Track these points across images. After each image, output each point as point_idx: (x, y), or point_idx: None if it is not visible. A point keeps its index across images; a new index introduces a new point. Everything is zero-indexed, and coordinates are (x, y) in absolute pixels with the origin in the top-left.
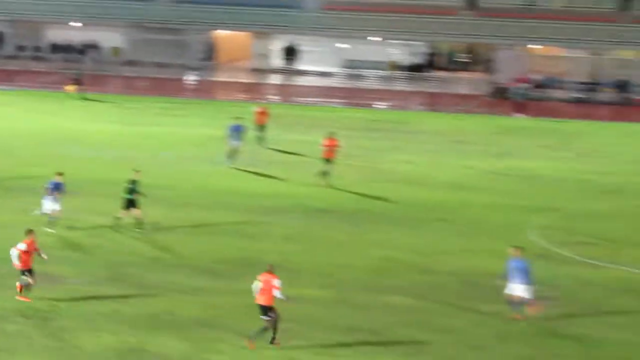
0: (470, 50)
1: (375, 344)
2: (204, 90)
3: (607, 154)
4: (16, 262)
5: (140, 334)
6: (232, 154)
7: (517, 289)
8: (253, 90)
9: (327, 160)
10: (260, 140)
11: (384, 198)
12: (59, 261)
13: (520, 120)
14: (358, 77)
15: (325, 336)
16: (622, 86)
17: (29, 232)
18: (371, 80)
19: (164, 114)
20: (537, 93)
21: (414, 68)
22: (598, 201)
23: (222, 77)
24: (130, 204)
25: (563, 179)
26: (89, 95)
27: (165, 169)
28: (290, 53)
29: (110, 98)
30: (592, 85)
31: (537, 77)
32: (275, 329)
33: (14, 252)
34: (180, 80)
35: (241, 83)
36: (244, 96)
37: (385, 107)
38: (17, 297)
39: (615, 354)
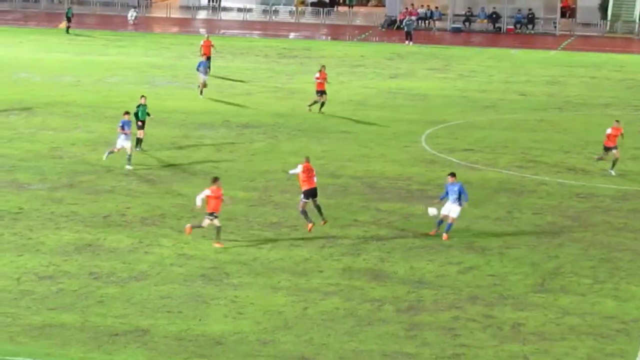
0: None
1: (294, 238)
2: (143, 25)
3: (483, 75)
4: (199, 204)
5: (95, 232)
6: (203, 86)
7: (452, 210)
8: (183, 24)
9: (320, 92)
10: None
11: (296, 114)
12: (24, 170)
13: (409, 47)
14: (272, 12)
15: (252, 231)
16: (494, 17)
17: (214, 179)
18: (283, 15)
19: (109, 46)
20: (423, 24)
21: (319, 4)
22: (477, 115)
23: (157, 14)
24: (137, 125)
25: (447, 96)
26: (46, 30)
27: (111, 91)
28: None
29: (63, 32)
30: (469, 17)
31: (422, 10)
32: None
33: (200, 197)
34: (122, 16)
35: (173, 18)
36: (176, 29)
37: (295, 37)
38: (213, 244)
39: (493, 242)
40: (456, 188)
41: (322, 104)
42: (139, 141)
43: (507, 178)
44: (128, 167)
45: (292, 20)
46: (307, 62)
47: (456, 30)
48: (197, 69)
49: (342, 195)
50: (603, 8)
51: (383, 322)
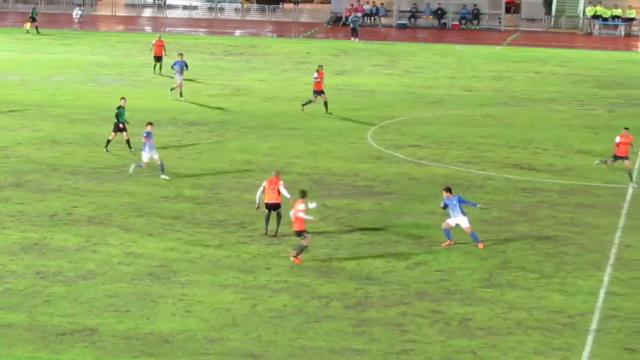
0: None
1: (241, 236)
2: (88, 23)
3: (429, 71)
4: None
5: (42, 230)
6: (177, 87)
7: (462, 222)
8: (129, 22)
9: (318, 92)
10: (156, 68)
11: (242, 111)
12: None
13: (354, 43)
14: (218, 9)
15: (198, 229)
16: (439, 13)
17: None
18: (229, 12)
19: (54, 44)
20: (368, 20)
21: (265, 1)
22: (423, 111)
23: (103, 12)
24: (117, 127)
25: (393, 92)
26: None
27: (57, 90)
28: None
29: (8, 31)
30: (414, 13)
31: (368, 6)
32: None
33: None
34: (68, 14)
35: (119, 17)
36: (122, 27)
37: (240, 34)
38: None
39: (441, 238)
40: (455, 201)
41: (326, 104)
42: (127, 142)
43: (453, 173)
44: (163, 176)
45: (238, 18)
46: (253, 59)
47: (402, 27)
48: (172, 68)
49: (289, 192)
50: (547, 3)
51: (331, 319)
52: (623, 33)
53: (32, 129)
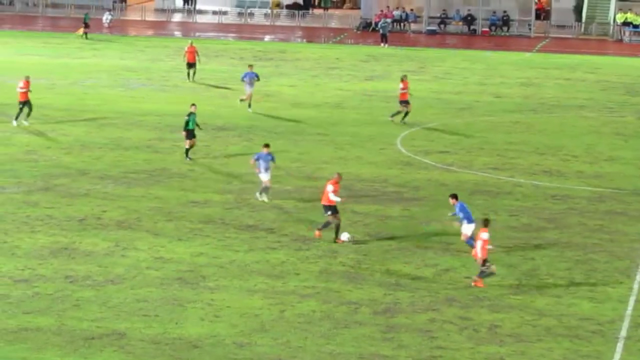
0: None
1: (270, 240)
2: (117, 28)
3: (458, 77)
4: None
5: (71, 235)
6: (247, 99)
7: (467, 229)
8: (158, 27)
9: (404, 102)
10: (189, 75)
11: (272, 116)
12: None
13: (384, 49)
14: (247, 14)
15: (227, 234)
16: (468, 19)
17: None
18: (258, 18)
19: (84, 49)
20: (398, 26)
21: (294, 6)
22: (453, 117)
23: (132, 17)
24: (190, 133)
25: (422, 98)
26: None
27: (86, 94)
28: None
29: (38, 35)
30: (444, 19)
31: (397, 12)
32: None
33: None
34: (97, 19)
35: (148, 21)
36: (151, 32)
37: (270, 39)
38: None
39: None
40: (456, 210)
41: (406, 114)
42: (188, 150)
43: (482, 180)
44: (260, 198)
45: (267, 23)
46: (283, 64)
47: (431, 33)
48: (242, 80)
49: (318, 198)
50: (578, 10)
51: (360, 325)
52: None
53: (60, 133)
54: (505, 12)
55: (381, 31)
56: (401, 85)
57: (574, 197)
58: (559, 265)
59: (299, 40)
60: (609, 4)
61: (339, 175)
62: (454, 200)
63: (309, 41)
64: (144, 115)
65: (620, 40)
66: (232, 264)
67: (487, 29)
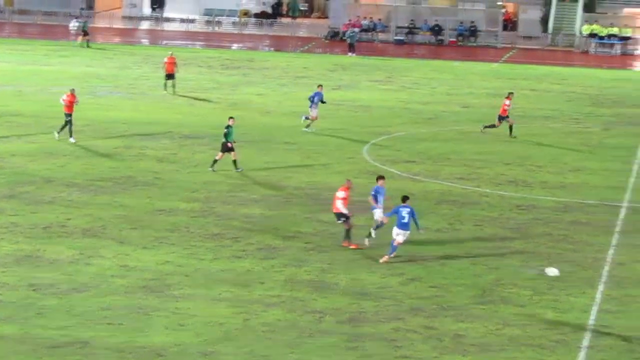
0: None
1: (235, 249)
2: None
3: (426, 87)
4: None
5: (35, 243)
6: (313, 120)
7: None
8: (126, 34)
9: (503, 118)
10: (167, 86)
11: (239, 125)
12: None
13: (352, 58)
14: (215, 23)
15: (193, 242)
16: (436, 29)
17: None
18: (226, 26)
19: (51, 56)
20: (366, 36)
21: (263, 15)
22: (420, 126)
23: (100, 24)
24: (226, 147)
25: (390, 107)
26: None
27: (53, 101)
28: (157, 2)
29: (5, 42)
30: (411, 29)
31: (366, 22)
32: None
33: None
34: (65, 26)
35: (116, 29)
36: (119, 39)
37: (238, 48)
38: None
39: (435, 254)
40: (406, 212)
41: (511, 128)
42: (234, 162)
43: (448, 190)
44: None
45: (236, 31)
46: (251, 73)
47: (399, 42)
48: (311, 100)
49: (285, 206)
50: (544, 21)
51: (324, 334)
52: (619, 52)
53: (27, 141)
54: (472, 22)
55: (349, 41)
56: (507, 102)
57: (539, 207)
58: (523, 275)
59: (267, 49)
60: (576, 15)
61: (349, 181)
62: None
63: (277, 50)
64: (111, 122)
65: (586, 52)
66: (198, 273)
67: (454, 39)
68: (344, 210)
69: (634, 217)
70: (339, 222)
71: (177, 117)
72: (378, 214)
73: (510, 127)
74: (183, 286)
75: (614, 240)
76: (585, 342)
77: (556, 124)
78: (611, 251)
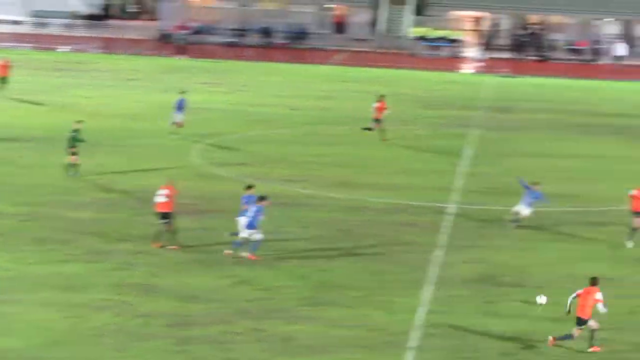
0: (139, 1)
1: (63, 253)
2: None
3: (256, 89)
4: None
5: None
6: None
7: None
8: None
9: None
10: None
11: (67, 128)
12: None
13: (182, 61)
14: (44, 24)
15: (20, 246)
16: (265, 32)
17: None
18: (55, 27)
19: None
20: (196, 38)
21: (92, 17)
22: (250, 129)
23: None
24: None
25: (221, 110)
26: None
27: None
28: None
29: None
30: (241, 31)
31: (195, 24)
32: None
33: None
34: None
35: None
36: None
37: (67, 50)
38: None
39: (264, 256)
40: (253, 207)
41: (369, 129)
42: (72, 166)
43: (278, 192)
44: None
45: (65, 33)
46: (80, 75)
47: (229, 44)
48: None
49: (114, 210)
50: (374, 24)
51: (153, 337)
52: (448, 54)
53: None
54: (303, 24)
55: (179, 43)
56: (379, 105)
57: (368, 208)
58: (353, 277)
59: (97, 50)
60: (405, 18)
61: (172, 181)
62: (261, 202)
63: (107, 52)
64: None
65: (416, 54)
66: (25, 277)
67: (284, 42)
68: (167, 211)
69: (459, 218)
70: (162, 222)
71: (3, 120)
72: (243, 222)
73: (369, 129)
74: (10, 291)
75: (441, 240)
76: (414, 343)
77: (385, 126)
78: (438, 252)
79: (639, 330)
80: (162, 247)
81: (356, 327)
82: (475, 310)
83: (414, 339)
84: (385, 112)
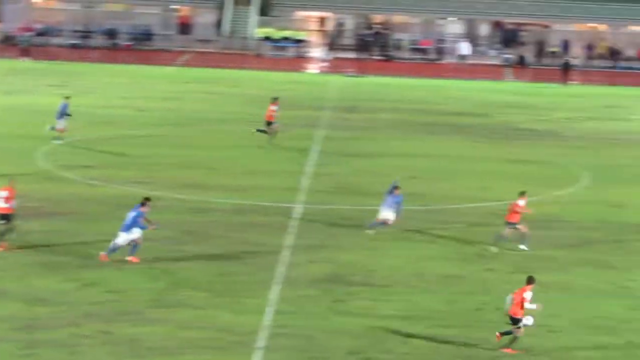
0: None
1: None
2: None
3: (101, 91)
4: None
5: None
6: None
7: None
8: None
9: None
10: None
11: None
12: None
13: (25, 63)
14: None
15: None
16: (110, 33)
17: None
18: None
19: None
20: (40, 40)
21: None
22: (96, 131)
23: None
24: None
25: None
26: None
27: None
28: None
29: None
30: (86, 33)
31: (40, 26)
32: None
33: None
34: None
35: None
36: None
37: None
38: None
39: (111, 258)
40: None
41: (268, 132)
42: None
43: (125, 194)
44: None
45: None
46: None
47: (74, 46)
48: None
49: None
50: (219, 25)
51: None
52: (293, 54)
53: None
54: (148, 26)
55: (22, 45)
56: (272, 107)
57: (216, 209)
58: (201, 278)
59: None
60: (250, 19)
61: (12, 181)
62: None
63: None
64: None
65: (262, 55)
66: None
67: (130, 43)
68: (7, 212)
69: (306, 217)
70: (1, 223)
71: None
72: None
73: (268, 132)
74: None
75: (288, 241)
76: (262, 343)
77: (232, 127)
78: (286, 252)
79: (486, 327)
80: (4, 249)
81: (205, 328)
82: (324, 310)
83: (262, 339)
84: (276, 114)
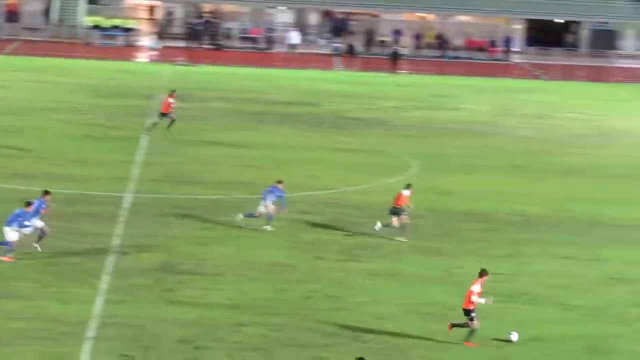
0: None
1: None
2: None
3: None
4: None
5: None
6: None
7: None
8: None
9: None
10: None
11: None
12: None
13: None
14: None
15: None
16: None
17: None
18: None
19: None
20: None
21: None
22: None
23: None
24: None
25: None
26: None
27: None
28: None
29: None
30: None
31: None
32: None
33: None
34: None
35: None
36: None
37: None
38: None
39: None
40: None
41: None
42: None
43: None
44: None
45: None
46: None
47: None
48: None
49: None
50: (47, 13)
51: None
52: (123, 43)
53: None
54: None
55: None
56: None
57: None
58: (29, 269)
59: None
60: (79, 7)
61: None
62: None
63: None
64: None
65: (91, 44)
66: None
67: None
68: None
69: (137, 207)
70: None
71: None
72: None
73: (171, 122)
74: None
75: (119, 230)
76: (92, 333)
77: (60, 116)
78: (116, 242)
79: (317, 314)
80: None
81: (33, 319)
82: (155, 299)
83: (92, 329)
84: (173, 107)
